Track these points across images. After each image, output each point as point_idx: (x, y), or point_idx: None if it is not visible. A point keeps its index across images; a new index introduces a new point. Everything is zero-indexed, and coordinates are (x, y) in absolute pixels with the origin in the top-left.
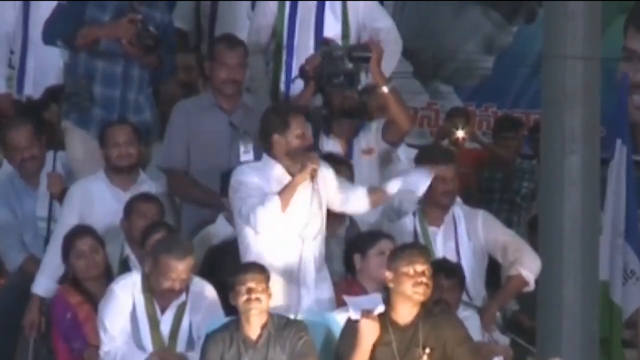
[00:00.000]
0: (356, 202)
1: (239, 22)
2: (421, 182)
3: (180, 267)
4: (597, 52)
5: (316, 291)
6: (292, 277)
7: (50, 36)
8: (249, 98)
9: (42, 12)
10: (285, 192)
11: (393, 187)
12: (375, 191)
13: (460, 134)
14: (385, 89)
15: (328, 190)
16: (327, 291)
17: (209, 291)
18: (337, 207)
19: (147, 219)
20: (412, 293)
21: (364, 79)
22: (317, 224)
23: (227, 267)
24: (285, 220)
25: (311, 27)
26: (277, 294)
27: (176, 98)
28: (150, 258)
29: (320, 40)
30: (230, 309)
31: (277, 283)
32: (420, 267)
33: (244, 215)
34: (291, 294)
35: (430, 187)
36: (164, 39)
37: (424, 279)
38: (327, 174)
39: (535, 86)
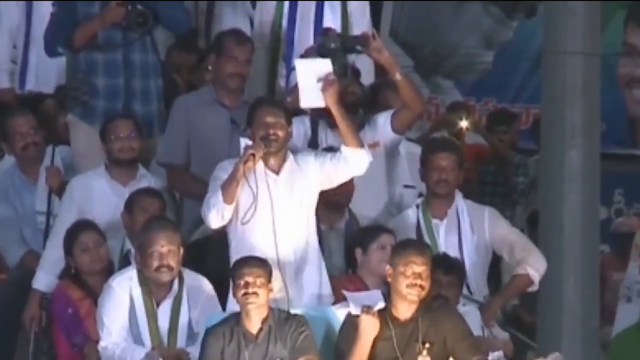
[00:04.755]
0: (343, 166)
1: (237, 19)
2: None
3: (162, 240)
4: (597, 48)
5: (298, 286)
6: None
7: (51, 47)
8: (248, 94)
9: (45, 8)
10: (225, 184)
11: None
12: None
13: (464, 124)
14: (398, 76)
15: (312, 179)
16: (313, 287)
17: (206, 285)
18: (339, 177)
19: (149, 214)
20: (405, 293)
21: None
22: (291, 219)
23: (210, 260)
24: (243, 213)
25: (311, 21)
26: None
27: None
28: (137, 251)
29: (320, 32)
30: (224, 303)
31: None
32: (417, 269)
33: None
34: (273, 284)
35: (428, 176)
36: None
37: (418, 281)
38: (305, 165)
39: (535, 81)
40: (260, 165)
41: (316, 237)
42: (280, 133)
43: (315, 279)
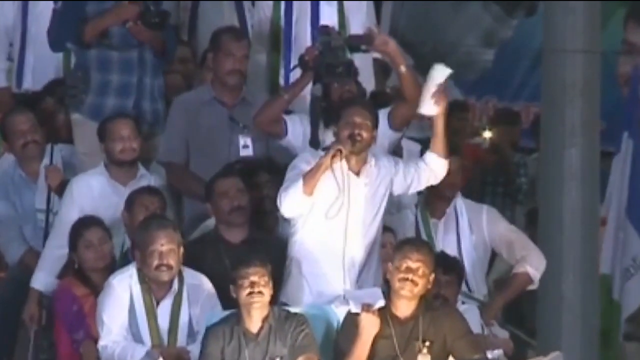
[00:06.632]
0: (427, 174)
1: (223, 16)
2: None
3: (162, 239)
4: (597, 46)
5: (361, 285)
6: (336, 266)
7: (57, 42)
8: (249, 93)
9: (42, 5)
10: (309, 175)
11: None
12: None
13: (487, 134)
14: (402, 69)
15: (388, 184)
16: (371, 282)
17: (206, 284)
18: (421, 184)
19: (150, 212)
20: (397, 288)
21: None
22: (363, 219)
23: (207, 258)
24: (318, 206)
25: (307, 19)
26: (321, 283)
27: (180, 89)
28: (137, 250)
29: (317, 30)
30: (224, 301)
31: (319, 271)
32: (412, 264)
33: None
34: (334, 283)
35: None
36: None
37: (410, 276)
38: (384, 170)
39: (535, 79)
40: (343, 163)
41: (380, 238)
42: (365, 134)
43: (378, 277)
